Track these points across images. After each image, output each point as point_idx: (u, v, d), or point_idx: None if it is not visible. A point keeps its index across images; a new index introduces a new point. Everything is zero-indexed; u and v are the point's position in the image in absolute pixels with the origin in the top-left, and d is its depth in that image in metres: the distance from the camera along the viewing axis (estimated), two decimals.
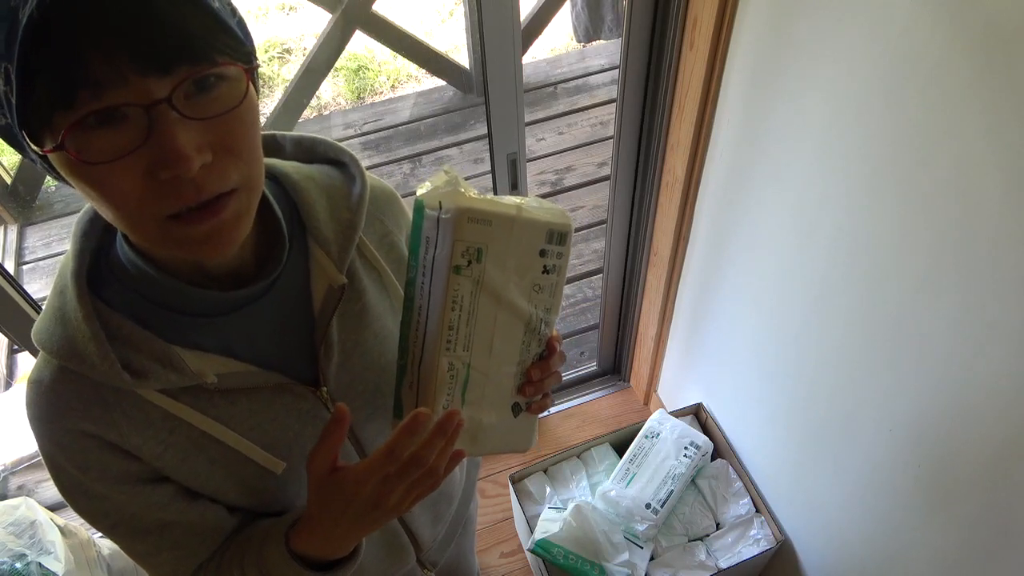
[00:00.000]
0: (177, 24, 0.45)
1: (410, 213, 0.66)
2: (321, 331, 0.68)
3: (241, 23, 0.52)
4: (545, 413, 2.09)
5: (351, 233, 0.68)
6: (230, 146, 0.50)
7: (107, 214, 0.51)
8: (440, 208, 0.57)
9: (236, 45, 0.49)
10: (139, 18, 0.44)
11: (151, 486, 0.64)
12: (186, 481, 0.65)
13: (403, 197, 0.80)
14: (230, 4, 0.52)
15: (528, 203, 0.61)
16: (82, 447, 0.60)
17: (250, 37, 0.53)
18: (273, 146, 0.72)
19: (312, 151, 0.73)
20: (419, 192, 0.59)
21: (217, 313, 0.62)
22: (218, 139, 0.49)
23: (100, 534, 1.60)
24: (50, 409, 0.59)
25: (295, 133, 0.73)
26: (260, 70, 0.53)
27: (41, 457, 0.62)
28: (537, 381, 0.67)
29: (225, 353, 0.63)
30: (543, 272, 0.63)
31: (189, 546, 0.67)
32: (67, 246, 0.62)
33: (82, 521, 1.65)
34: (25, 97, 0.44)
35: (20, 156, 0.52)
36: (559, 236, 0.63)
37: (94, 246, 0.61)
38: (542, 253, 0.62)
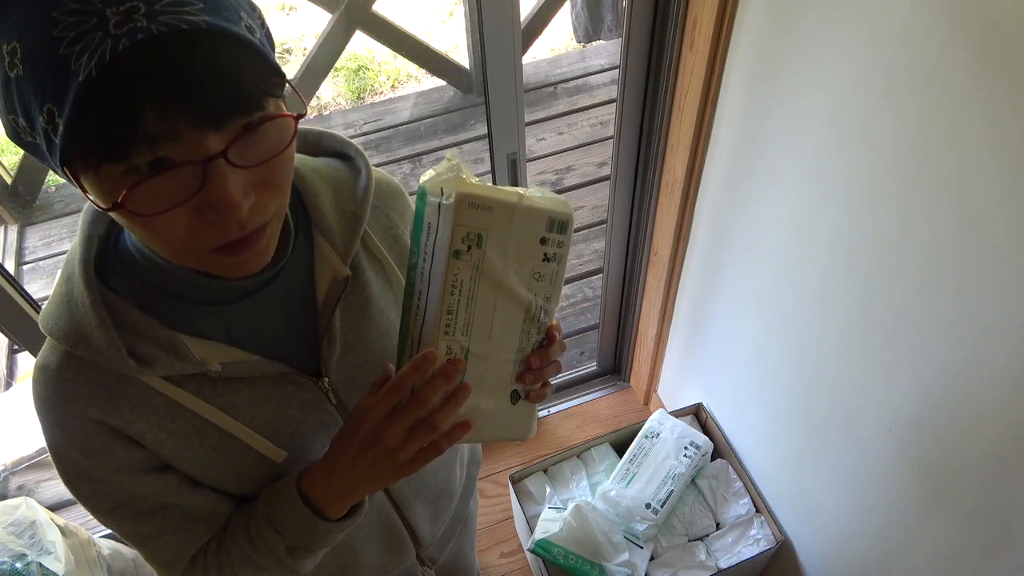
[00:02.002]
0: (232, 76, 0.46)
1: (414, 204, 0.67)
2: (324, 322, 0.68)
3: (268, 34, 0.53)
4: (545, 412, 2.09)
5: (356, 225, 0.69)
6: (272, 183, 0.52)
7: (148, 243, 0.53)
8: (442, 194, 0.58)
9: (278, 78, 0.50)
10: (196, 75, 0.44)
11: (154, 475, 0.64)
12: (188, 469, 0.66)
13: None
14: (260, 17, 0.52)
15: (530, 192, 0.62)
16: (86, 433, 0.61)
17: (274, 45, 0.54)
18: None
19: (318, 144, 0.74)
20: (422, 179, 0.60)
21: (222, 302, 0.63)
22: (262, 178, 0.51)
23: (101, 533, 1.61)
24: (56, 394, 0.60)
25: (302, 127, 0.74)
26: None
27: (45, 444, 0.62)
28: (536, 369, 0.67)
29: (229, 342, 0.64)
30: (544, 260, 0.63)
31: (190, 529, 0.68)
32: (67, 246, 0.63)
33: (82, 521, 1.66)
34: (72, 143, 0.45)
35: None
36: (560, 224, 0.63)
37: (102, 233, 0.61)
38: (543, 241, 0.62)
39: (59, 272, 0.61)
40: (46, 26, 0.42)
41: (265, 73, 0.48)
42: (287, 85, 0.52)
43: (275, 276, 0.65)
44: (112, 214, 0.49)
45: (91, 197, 0.49)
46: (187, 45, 0.44)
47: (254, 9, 0.51)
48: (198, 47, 0.44)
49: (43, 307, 0.62)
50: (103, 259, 0.61)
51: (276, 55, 0.52)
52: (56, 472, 0.64)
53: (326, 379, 0.70)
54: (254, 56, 0.47)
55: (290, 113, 0.51)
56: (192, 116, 0.44)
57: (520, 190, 0.61)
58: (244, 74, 0.46)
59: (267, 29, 0.52)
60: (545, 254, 0.63)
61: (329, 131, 0.74)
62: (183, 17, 0.43)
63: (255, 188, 0.51)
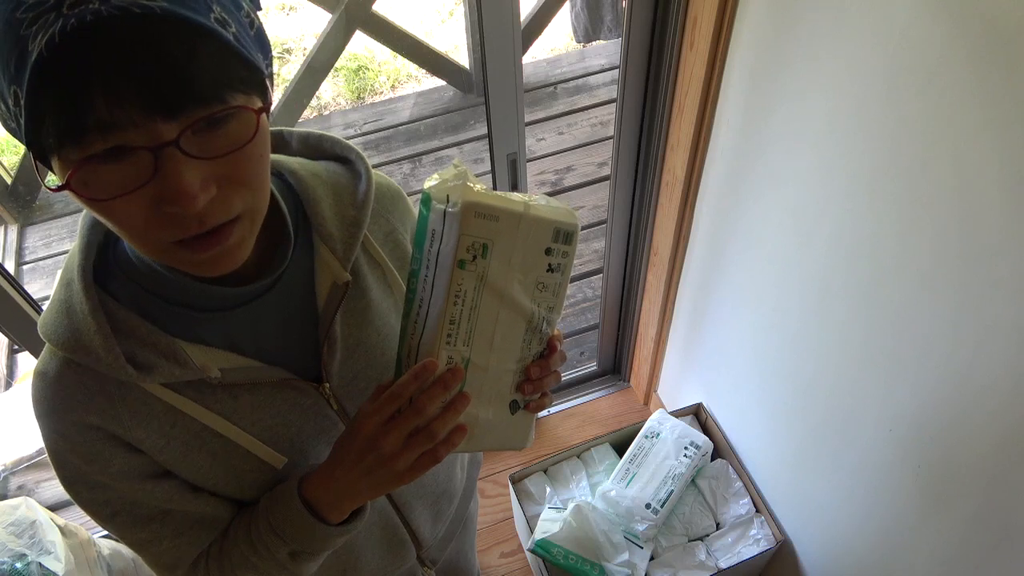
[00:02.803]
0: (186, 65, 0.44)
1: (416, 209, 0.66)
2: (325, 328, 0.68)
3: (259, 34, 0.51)
4: (544, 413, 2.10)
5: (356, 231, 0.68)
6: (236, 178, 0.50)
7: (115, 232, 0.52)
8: (447, 201, 0.57)
9: (250, 75, 0.49)
10: (147, 60, 0.43)
11: (153, 481, 0.64)
12: (187, 475, 0.66)
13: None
14: (249, 16, 0.50)
15: (536, 200, 0.61)
16: (86, 439, 0.60)
17: (268, 46, 0.53)
18: (280, 142, 0.72)
19: (319, 147, 0.73)
20: (427, 184, 0.59)
21: (222, 308, 0.63)
22: (225, 173, 0.49)
23: (101, 533, 1.61)
24: (55, 400, 0.60)
25: (302, 129, 0.73)
26: None
27: (44, 448, 0.62)
28: (536, 379, 0.67)
29: (229, 348, 0.64)
30: (548, 270, 0.63)
31: (191, 534, 0.68)
32: (67, 246, 0.63)
33: (82, 521, 1.66)
34: (34, 127, 0.45)
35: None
36: (565, 235, 0.62)
37: (101, 239, 0.61)
38: (548, 251, 0.62)
39: (58, 277, 0.61)
40: (11, 8, 0.42)
41: (230, 66, 0.47)
42: (267, 82, 0.51)
43: (275, 282, 0.65)
44: (71, 198, 0.48)
45: (52, 183, 0.48)
46: (137, 29, 0.43)
47: (239, 8, 0.49)
48: (148, 32, 0.43)
49: (42, 312, 0.61)
50: (102, 265, 0.60)
51: (276, 55, 0.51)
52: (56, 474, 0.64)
53: (327, 385, 0.70)
54: (219, 48, 0.46)
55: (253, 107, 0.49)
56: (141, 103, 0.43)
57: (525, 198, 0.60)
58: (201, 64, 0.45)
59: (256, 25, 0.51)
60: (549, 264, 0.63)
61: (330, 134, 0.73)
62: (138, 0, 0.43)
63: (217, 182, 0.49)
